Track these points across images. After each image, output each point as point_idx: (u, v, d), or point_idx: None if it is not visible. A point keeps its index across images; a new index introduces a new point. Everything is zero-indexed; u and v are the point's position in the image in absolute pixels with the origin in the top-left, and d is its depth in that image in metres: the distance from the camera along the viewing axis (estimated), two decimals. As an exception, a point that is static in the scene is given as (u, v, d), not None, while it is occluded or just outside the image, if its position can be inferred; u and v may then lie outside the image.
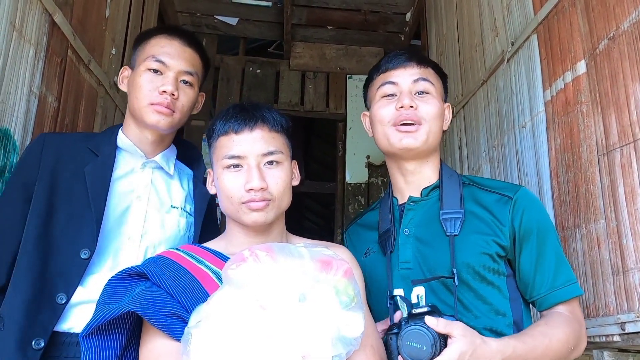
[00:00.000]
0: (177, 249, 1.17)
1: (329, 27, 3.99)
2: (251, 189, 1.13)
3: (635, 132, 1.32)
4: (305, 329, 0.90)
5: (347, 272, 0.98)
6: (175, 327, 0.99)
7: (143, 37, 1.48)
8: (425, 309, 1.06)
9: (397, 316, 1.17)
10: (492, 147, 2.20)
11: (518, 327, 1.21)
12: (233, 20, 3.87)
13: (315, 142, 6.32)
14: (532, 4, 1.87)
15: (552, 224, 1.29)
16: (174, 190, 1.48)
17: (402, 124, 1.28)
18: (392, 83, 1.31)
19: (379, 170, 4.05)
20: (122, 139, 1.45)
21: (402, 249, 1.26)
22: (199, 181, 1.50)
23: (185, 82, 1.42)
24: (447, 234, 1.22)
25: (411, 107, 1.26)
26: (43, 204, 1.30)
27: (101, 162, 1.38)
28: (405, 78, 1.31)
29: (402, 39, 3.97)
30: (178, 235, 1.44)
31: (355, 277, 1.01)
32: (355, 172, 4.01)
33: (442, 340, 1.03)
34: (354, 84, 4.11)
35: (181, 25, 3.89)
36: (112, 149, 1.41)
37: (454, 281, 1.16)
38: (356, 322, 0.95)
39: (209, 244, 1.22)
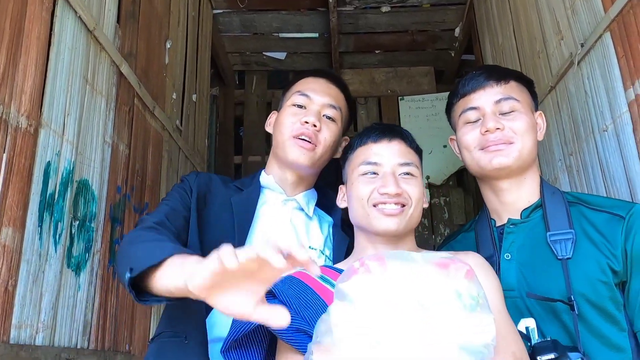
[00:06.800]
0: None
1: (377, 52, 3.98)
2: (385, 193, 1.10)
3: None
4: (425, 340, 0.80)
5: (469, 273, 0.89)
6: (303, 341, 1.00)
7: (291, 82, 1.54)
8: (547, 345, 0.97)
9: None
10: (568, 155, 2.08)
11: None
12: (282, 55, 3.92)
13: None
14: (601, 2, 1.77)
15: None
16: (313, 232, 1.45)
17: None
18: (474, 109, 1.23)
19: (440, 191, 3.94)
20: (264, 177, 1.47)
21: (505, 276, 1.17)
22: (338, 228, 1.47)
23: (329, 118, 1.43)
24: (559, 257, 1.11)
25: (498, 129, 1.18)
26: (196, 238, 1.34)
27: (246, 194, 1.42)
28: (487, 100, 1.22)
29: (452, 54, 3.89)
30: None
31: (479, 280, 0.91)
32: (417, 194, 3.91)
33: None
34: (406, 105, 4.06)
35: (232, 65, 3.99)
36: (257, 186, 1.45)
37: (574, 308, 1.05)
38: (485, 325, 0.82)
39: (339, 265, 1.22)
